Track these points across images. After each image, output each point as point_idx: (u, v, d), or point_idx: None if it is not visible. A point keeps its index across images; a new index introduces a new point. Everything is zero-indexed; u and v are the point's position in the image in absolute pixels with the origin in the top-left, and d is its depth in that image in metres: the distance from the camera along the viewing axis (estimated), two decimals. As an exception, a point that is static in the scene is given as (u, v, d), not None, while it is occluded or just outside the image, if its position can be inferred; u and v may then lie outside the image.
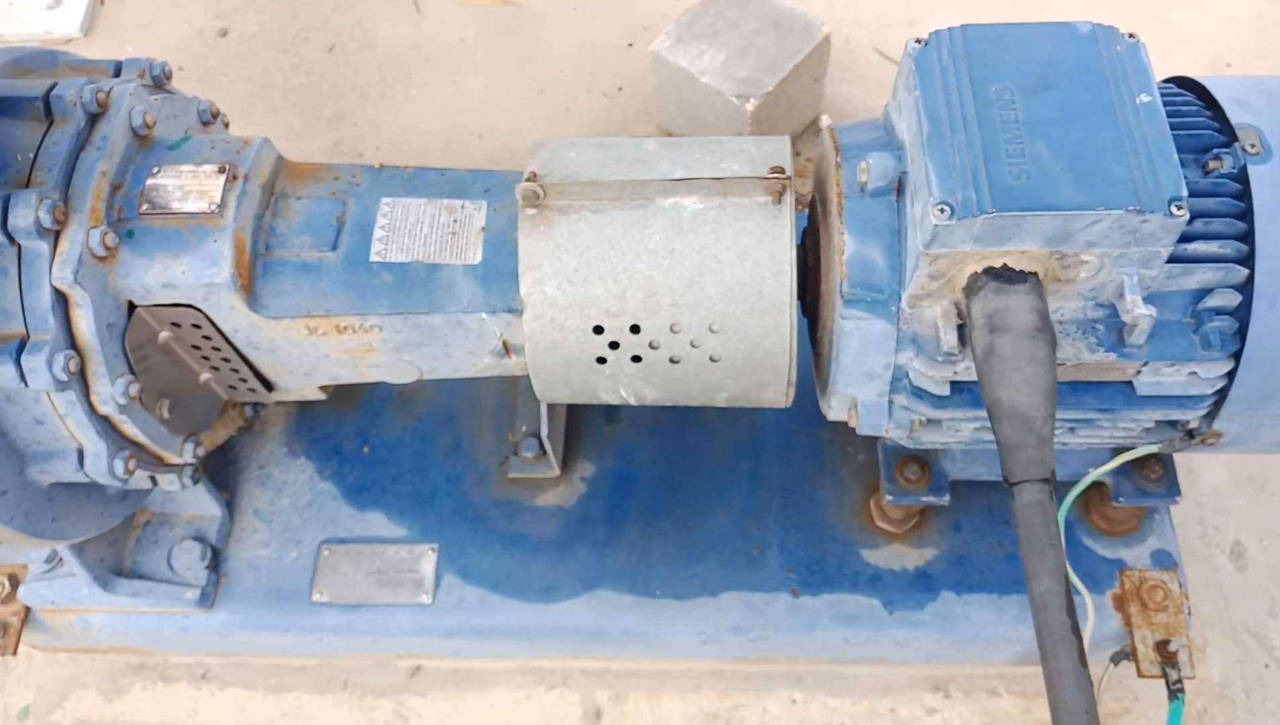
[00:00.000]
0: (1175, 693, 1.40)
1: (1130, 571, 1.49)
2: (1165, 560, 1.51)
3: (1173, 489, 1.41)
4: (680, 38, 2.06)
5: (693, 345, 1.17)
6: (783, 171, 1.13)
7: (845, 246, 1.11)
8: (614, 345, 1.17)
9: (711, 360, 1.18)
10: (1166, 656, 1.42)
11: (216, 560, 1.57)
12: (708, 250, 1.13)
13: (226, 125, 1.43)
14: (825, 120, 2.24)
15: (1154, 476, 1.41)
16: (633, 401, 1.26)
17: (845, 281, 1.11)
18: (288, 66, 2.45)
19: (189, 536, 1.55)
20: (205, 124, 1.37)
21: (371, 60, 2.44)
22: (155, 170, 1.20)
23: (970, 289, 1.04)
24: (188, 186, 1.18)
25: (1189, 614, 1.46)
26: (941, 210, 0.98)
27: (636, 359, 1.18)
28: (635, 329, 1.16)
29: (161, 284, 1.17)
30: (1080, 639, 0.91)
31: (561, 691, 1.69)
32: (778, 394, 1.23)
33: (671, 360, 1.18)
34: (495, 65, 2.42)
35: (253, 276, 1.19)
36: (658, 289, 1.14)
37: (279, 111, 2.37)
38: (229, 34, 2.51)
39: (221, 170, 1.19)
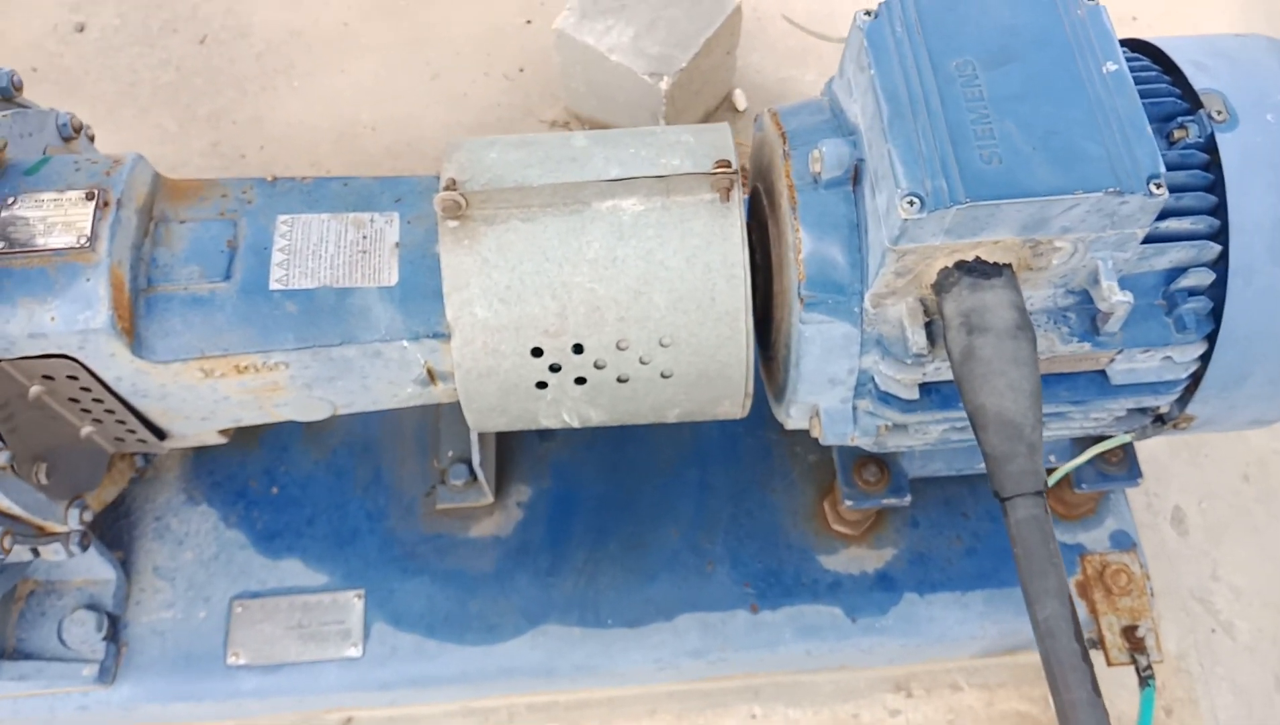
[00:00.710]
0: (1146, 680, 1.36)
1: (1091, 556, 1.45)
2: (1124, 541, 1.47)
3: (1134, 472, 1.37)
4: (585, 13, 1.94)
5: (642, 362, 1.06)
6: (728, 165, 1.03)
7: (801, 244, 1.02)
8: (555, 368, 1.06)
9: (663, 377, 1.08)
10: (1134, 643, 1.38)
11: (115, 628, 1.40)
12: (653, 256, 1.02)
13: (92, 139, 1.26)
14: (739, 95, 2.16)
15: (1115, 460, 1.37)
16: (576, 425, 1.15)
17: (804, 283, 1.02)
18: (156, 62, 2.24)
19: (81, 605, 1.38)
20: (67, 140, 1.20)
21: (248, 50, 2.26)
22: (10, 200, 1.03)
23: (941, 286, 0.96)
24: (51, 218, 1.02)
25: (1152, 595, 1.43)
26: (910, 202, 0.89)
27: (581, 381, 1.08)
28: (578, 349, 1.05)
29: (27, 334, 1.01)
30: (1092, 666, 0.85)
31: (508, 730, 1.58)
32: (734, 406, 1.14)
33: (619, 379, 1.08)
34: (384, 50, 2.27)
35: (135, 317, 1.04)
36: (601, 303, 1.03)
37: (149, 112, 2.17)
38: (87, 28, 2.29)
39: (90, 196, 1.03)
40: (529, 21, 2.30)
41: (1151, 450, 1.85)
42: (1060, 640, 0.84)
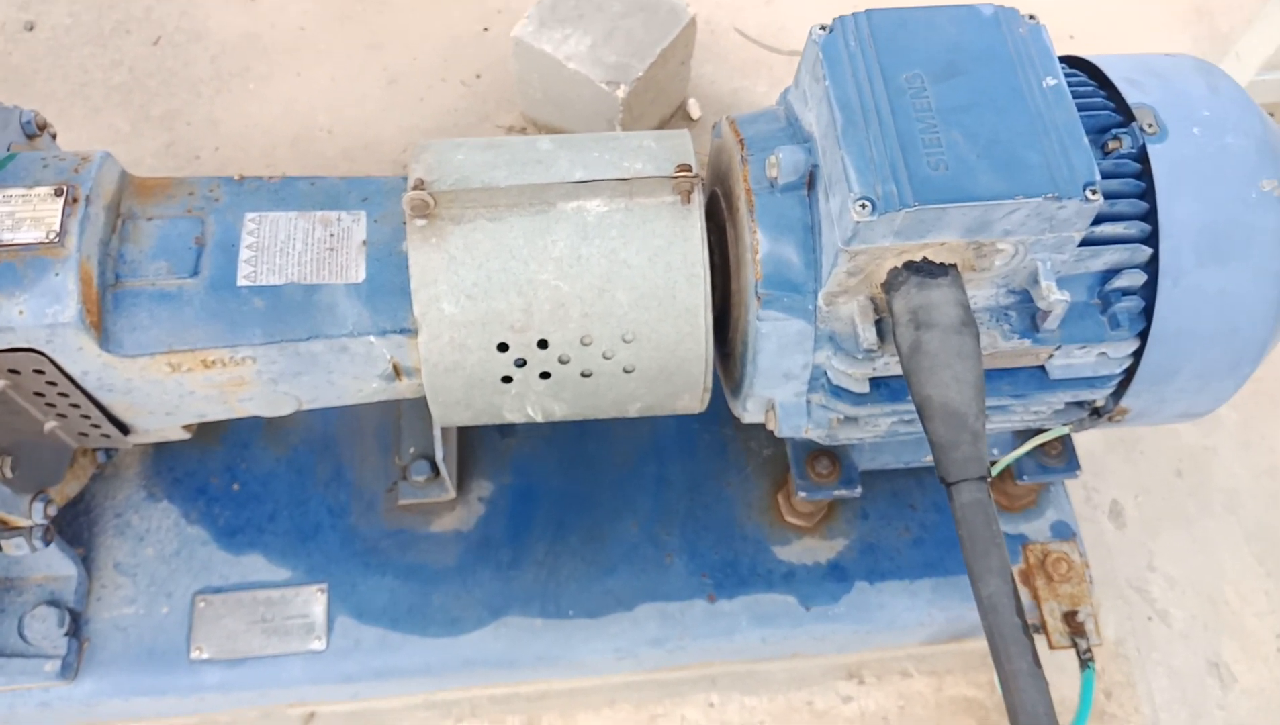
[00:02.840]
0: (1086, 662, 1.43)
1: (1033, 545, 1.51)
2: (1064, 531, 1.53)
3: (1072, 463, 1.43)
4: (543, 22, 1.97)
5: (605, 357, 1.10)
6: (689, 169, 1.07)
7: (759, 245, 1.06)
8: (520, 362, 1.09)
9: (625, 371, 1.11)
10: (1074, 627, 1.44)
11: (76, 624, 1.40)
12: (616, 255, 1.06)
13: (54, 137, 1.26)
14: (693, 104, 2.20)
15: (1054, 453, 1.43)
16: (539, 418, 1.18)
17: (760, 282, 1.06)
18: (108, 62, 2.23)
19: (42, 601, 1.38)
20: (30, 137, 1.20)
21: (203, 52, 2.25)
22: (-25, 196, 1.04)
23: (890, 285, 1.01)
24: (19, 213, 1.03)
25: (1091, 583, 1.49)
26: (862, 206, 0.94)
27: (545, 375, 1.11)
28: (543, 344, 1.08)
29: (-6, 327, 1.02)
30: (1032, 639, 0.90)
31: (470, 722, 1.60)
32: (693, 401, 1.18)
33: (583, 374, 1.11)
34: (340, 54, 2.27)
35: (103, 312, 1.05)
36: (565, 300, 1.06)
37: (101, 112, 2.15)
38: (36, 27, 2.27)
39: (59, 192, 1.04)
40: (486, 29, 2.32)
41: (1089, 447, 1.93)
42: (1003, 615, 0.89)
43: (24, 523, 1.19)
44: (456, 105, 2.22)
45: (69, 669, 1.38)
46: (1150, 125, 1.08)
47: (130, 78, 2.20)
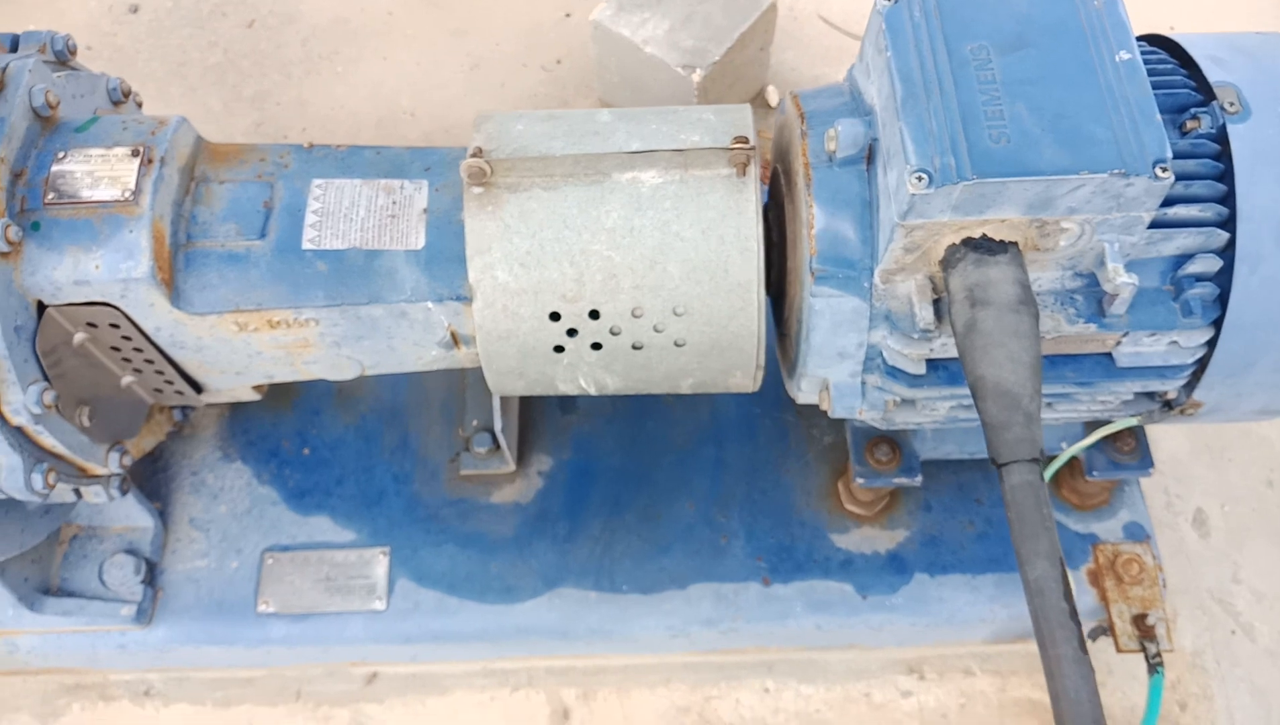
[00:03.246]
0: (1154, 667, 1.37)
1: (1104, 545, 1.46)
2: (1138, 533, 1.48)
3: (1145, 461, 1.38)
4: (622, 6, 1.97)
5: (656, 330, 1.10)
6: (746, 141, 1.06)
7: (814, 220, 1.05)
8: (572, 332, 1.10)
9: (676, 345, 1.11)
10: (1144, 631, 1.39)
11: (152, 574, 1.47)
12: (669, 227, 1.06)
13: (140, 105, 1.32)
14: (772, 91, 2.18)
15: (1127, 449, 1.38)
16: (593, 391, 1.19)
17: (815, 257, 1.05)
18: (205, 44, 2.32)
19: (120, 550, 1.45)
20: (116, 104, 1.26)
21: (294, 35, 2.32)
22: (61, 155, 1.09)
23: (948, 262, 0.98)
24: (98, 172, 1.08)
25: (1164, 586, 1.44)
26: (919, 178, 0.92)
27: (596, 346, 1.11)
28: (594, 314, 1.08)
29: (73, 281, 1.07)
30: (1079, 625, 0.87)
31: (527, 692, 1.62)
32: (745, 378, 1.17)
33: (634, 346, 1.11)
34: (426, 39, 2.32)
35: (174, 269, 1.10)
36: (617, 270, 1.06)
37: (197, 91, 2.24)
38: (140, 10, 2.37)
39: (135, 153, 1.09)
40: (568, 15, 2.34)
41: (1172, 451, 1.85)
42: (1049, 599, 0.86)
43: (101, 471, 1.24)
44: (536, 90, 2.24)
45: (144, 614, 1.44)
46: (1232, 104, 1.04)
47: (225, 59, 2.29)
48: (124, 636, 1.46)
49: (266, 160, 1.17)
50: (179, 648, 1.47)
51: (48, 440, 1.13)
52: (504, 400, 1.47)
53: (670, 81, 1.94)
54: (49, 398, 1.09)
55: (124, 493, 1.30)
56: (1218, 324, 1.06)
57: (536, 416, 1.59)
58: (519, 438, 1.56)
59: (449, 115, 2.21)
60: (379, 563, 1.48)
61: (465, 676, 1.61)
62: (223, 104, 2.23)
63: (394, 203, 1.13)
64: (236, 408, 1.60)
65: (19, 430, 1.11)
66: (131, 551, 1.44)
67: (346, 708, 1.60)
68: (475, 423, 1.52)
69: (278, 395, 1.59)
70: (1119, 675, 1.64)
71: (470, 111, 2.21)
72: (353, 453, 1.56)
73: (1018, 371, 0.92)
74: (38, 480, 1.13)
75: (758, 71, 2.10)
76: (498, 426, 1.43)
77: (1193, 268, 1.04)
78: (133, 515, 1.45)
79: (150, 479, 1.54)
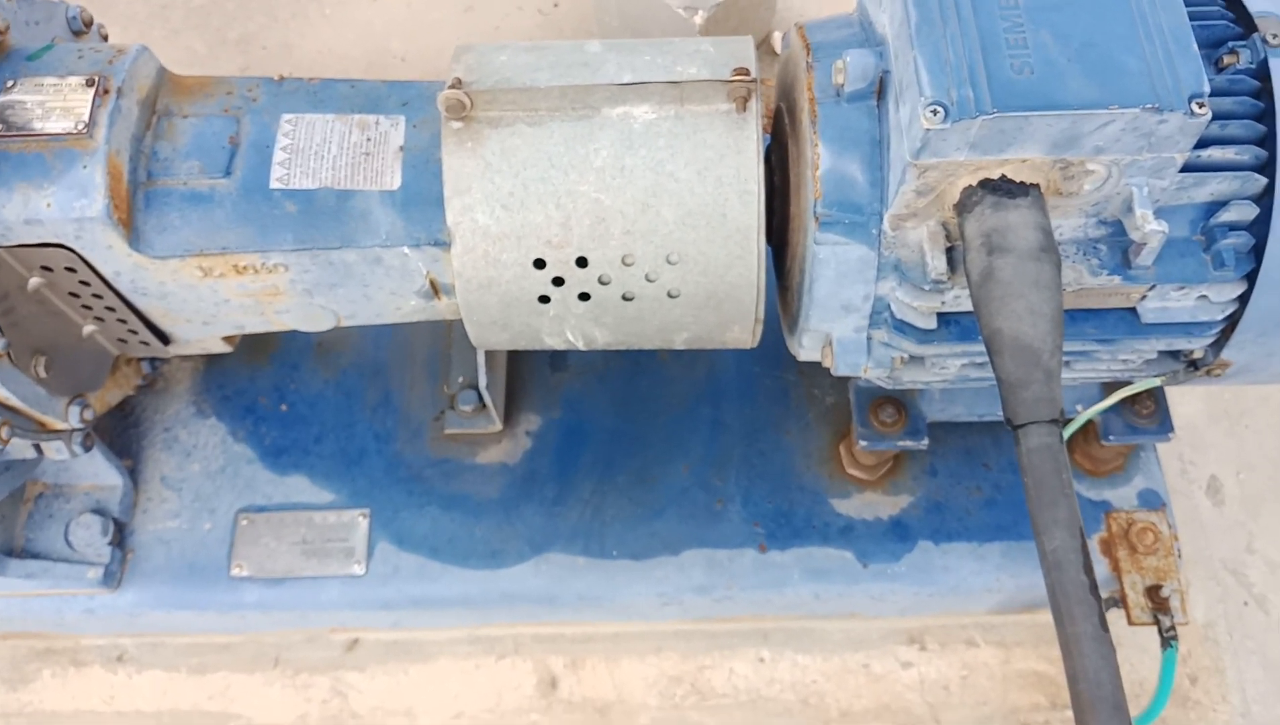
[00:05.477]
0: (1168, 640, 1.31)
1: (1117, 513, 1.40)
2: (1153, 501, 1.42)
3: (1165, 425, 1.31)
4: (622, -53, 1.89)
5: (648, 279, 1.02)
6: (747, 73, 0.98)
7: (819, 160, 0.98)
8: (558, 281, 1.03)
9: (669, 296, 1.04)
10: (1158, 603, 1.33)
11: (121, 534, 1.40)
12: (663, 167, 0.98)
13: (105, 38, 1.24)
14: (778, 36, 2.10)
15: (1146, 412, 1.31)
16: (580, 345, 1.12)
17: (820, 201, 0.97)
18: (189, -16, 2.23)
19: (88, 509, 1.39)
20: (77, 34, 1.18)
21: (281, -24, 2.24)
22: (10, 84, 1.02)
23: (963, 206, 0.91)
24: (50, 103, 1.00)
25: (1179, 557, 1.37)
26: (934, 111, 0.84)
27: (584, 297, 1.04)
28: (582, 262, 1.01)
29: (23, 220, 1.00)
30: (1100, 600, 0.80)
31: (513, 659, 1.56)
32: (744, 332, 1.10)
33: (624, 297, 1.04)
34: (418, -20, 2.24)
35: (132, 209, 1.02)
36: (606, 214, 0.99)
37: (180, 34, 2.16)
38: (122, -50, 2.28)
39: (90, 83, 1.01)
40: (567, -46, 2.25)
41: (1189, 417, 1.79)
42: (1068, 572, 0.79)
43: (61, 426, 1.18)
44: (532, 34, 2.16)
45: (112, 578, 1.38)
46: (1275, 36, 0.95)
47: (209, 1, 2.20)
48: (92, 600, 1.40)
49: (234, 93, 1.09)
50: (149, 612, 1.41)
51: (0, 392, 1.06)
52: (490, 356, 1.40)
53: (672, 23, 1.86)
54: (-1, 346, 1.02)
55: (87, 449, 1.24)
56: (1251, 278, 0.98)
57: (525, 373, 1.52)
58: (506, 396, 1.49)
59: (441, 59, 2.11)
60: (358, 525, 1.42)
61: (449, 644, 1.56)
62: (206, 47, 2.15)
63: (368, 140, 1.06)
64: (211, 361, 1.53)
65: (-32, 380, 1.05)
66: (99, 511, 1.38)
67: (326, 675, 1.55)
68: (461, 379, 1.46)
69: (255, 348, 1.52)
70: (1128, 647, 1.58)
71: (463, 57, 2.13)
72: (332, 409, 1.50)
73: (1037, 325, 0.85)
74: (-10, 434, 1.07)
75: (764, 15, 2.02)
76: (482, 383, 1.37)
77: (1226, 216, 0.96)
78: (101, 473, 1.39)
79: (120, 435, 1.48)
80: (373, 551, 1.41)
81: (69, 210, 0.99)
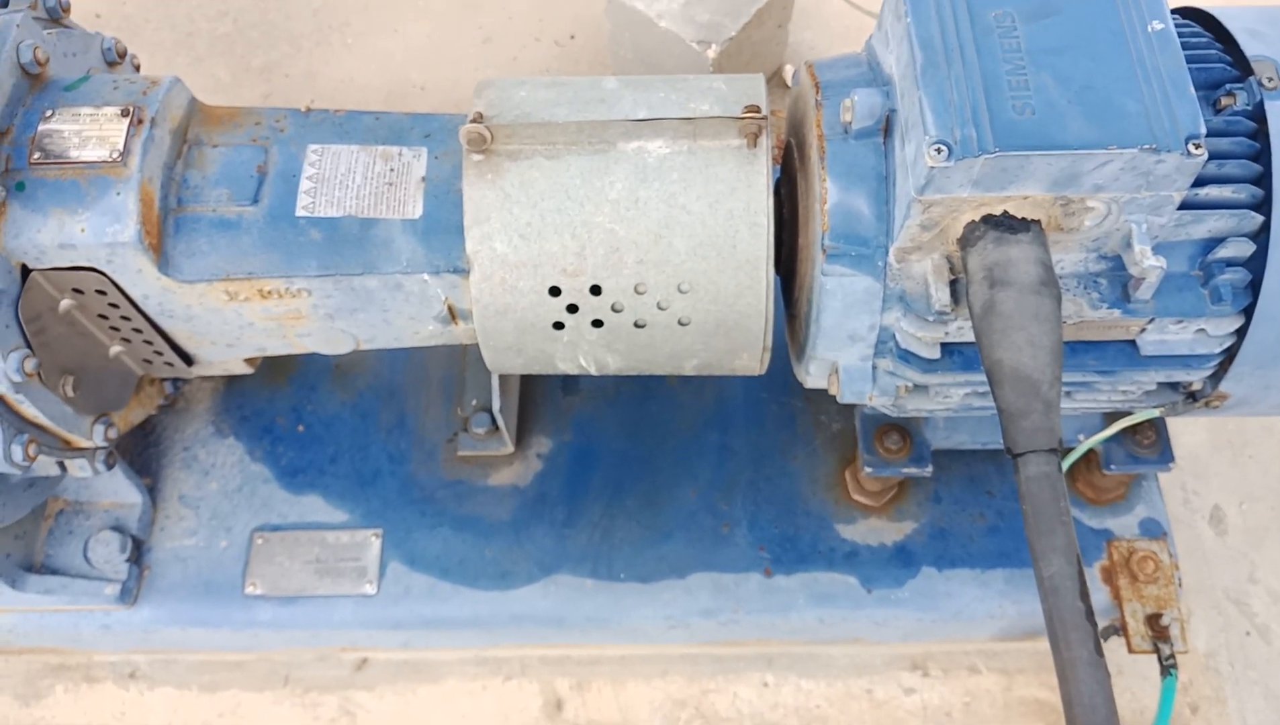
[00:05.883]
0: (1167, 669, 1.33)
1: (1119, 542, 1.42)
2: (1154, 529, 1.43)
3: (1166, 455, 1.33)
4: (636, -20, 1.93)
5: (659, 307, 1.05)
6: (758, 111, 1.01)
7: (827, 194, 1.01)
8: (572, 308, 1.06)
9: (680, 324, 1.07)
10: (1158, 631, 1.35)
11: (138, 551, 1.43)
12: (675, 200, 1.01)
13: (137, 67, 1.28)
14: (789, 70, 2.13)
15: (1146, 442, 1.33)
16: (593, 371, 1.15)
17: (827, 234, 1.01)
18: (214, 13, 2.28)
19: (107, 526, 1.41)
20: (111, 64, 1.22)
21: (305, 6, 2.28)
22: (48, 113, 1.05)
23: (966, 240, 0.94)
24: (86, 132, 1.04)
25: (1180, 585, 1.39)
26: (938, 150, 0.88)
27: (598, 324, 1.07)
28: (596, 290, 1.04)
29: (58, 244, 1.03)
30: (1096, 626, 0.82)
31: (520, 681, 1.58)
32: (752, 360, 1.13)
33: (636, 324, 1.07)
34: (438, 12, 2.28)
35: (162, 234, 1.06)
36: (620, 245, 1.02)
37: (204, 62, 2.21)
38: (149, -21, 2.33)
39: (125, 113, 1.05)
40: (582, -12, 2.30)
41: (1192, 447, 1.80)
42: (1064, 598, 0.82)
43: (85, 444, 1.21)
44: (549, 66, 2.20)
45: (128, 594, 1.41)
46: (1270, 79, 0.99)
47: (234, 29, 2.25)
48: (108, 616, 1.43)
49: (262, 124, 1.13)
50: (164, 629, 1.43)
51: (29, 410, 1.09)
52: (503, 380, 1.43)
53: (685, 57, 1.89)
54: (30, 366, 1.05)
55: (110, 467, 1.26)
56: (1248, 312, 1.01)
57: (537, 397, 1.55)
58: (519, 419, 1.52)
59: (459, 90, 2.17)
60: (371, 545, 1.44)
61: (457, 664, 1.58)
62: (230, 75, 2.19)
63: (391, 170, 1.09)
64: (231, 382, 1.56)
65: (-1, 399, 1.08)
66: (118, 528, 1.41)
67: (335, 694, 1.57)
68: (474, 402, 1.48)
69: (274, 370, 1.56)
70: (1129, 675, 1.59)
71: (481, 86, 2.17)
72: (348, 431, 1.53)
73: (1037, 356, 0.88)
74: (17, 452, 1.10)
75: (775, 49, 2.06)
76: (496, 406, 1.39)
77: (1223, 252, 0.99)
78: (121, 491, 1.42)
79: (140, 453, 1.50)
80: (384, 571, 1.43)
81: (102, 235, 1.02)
